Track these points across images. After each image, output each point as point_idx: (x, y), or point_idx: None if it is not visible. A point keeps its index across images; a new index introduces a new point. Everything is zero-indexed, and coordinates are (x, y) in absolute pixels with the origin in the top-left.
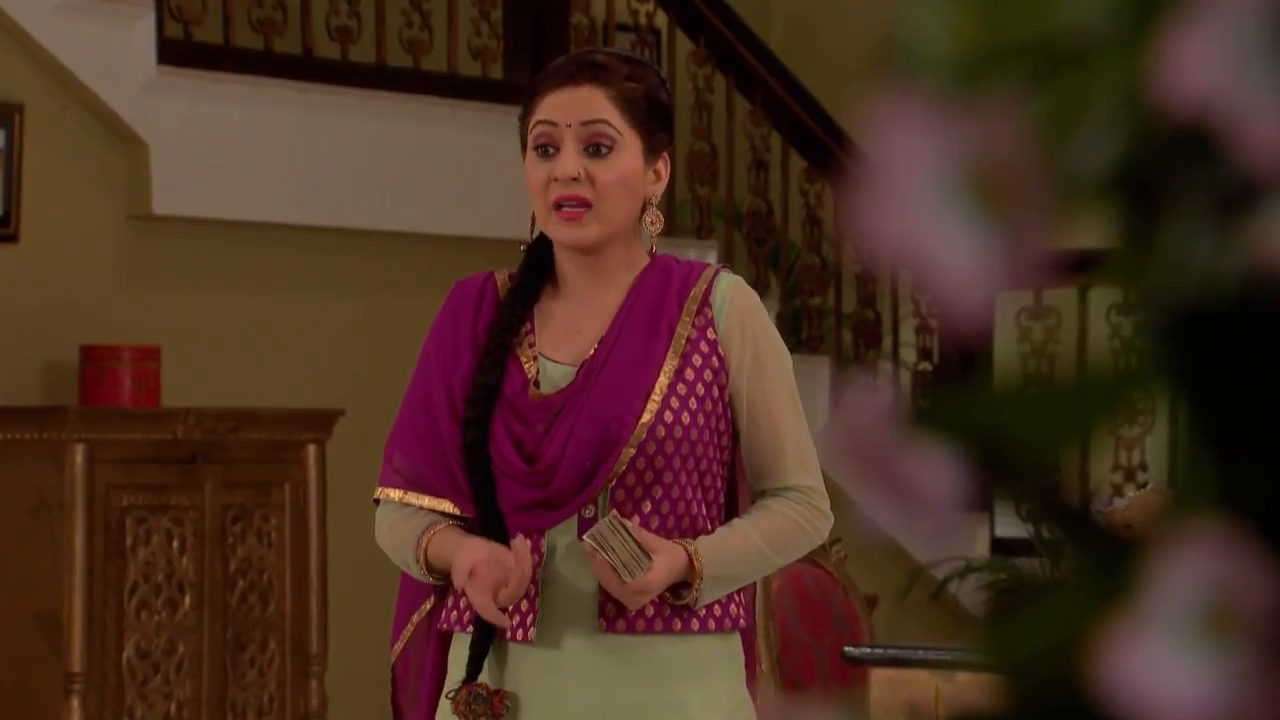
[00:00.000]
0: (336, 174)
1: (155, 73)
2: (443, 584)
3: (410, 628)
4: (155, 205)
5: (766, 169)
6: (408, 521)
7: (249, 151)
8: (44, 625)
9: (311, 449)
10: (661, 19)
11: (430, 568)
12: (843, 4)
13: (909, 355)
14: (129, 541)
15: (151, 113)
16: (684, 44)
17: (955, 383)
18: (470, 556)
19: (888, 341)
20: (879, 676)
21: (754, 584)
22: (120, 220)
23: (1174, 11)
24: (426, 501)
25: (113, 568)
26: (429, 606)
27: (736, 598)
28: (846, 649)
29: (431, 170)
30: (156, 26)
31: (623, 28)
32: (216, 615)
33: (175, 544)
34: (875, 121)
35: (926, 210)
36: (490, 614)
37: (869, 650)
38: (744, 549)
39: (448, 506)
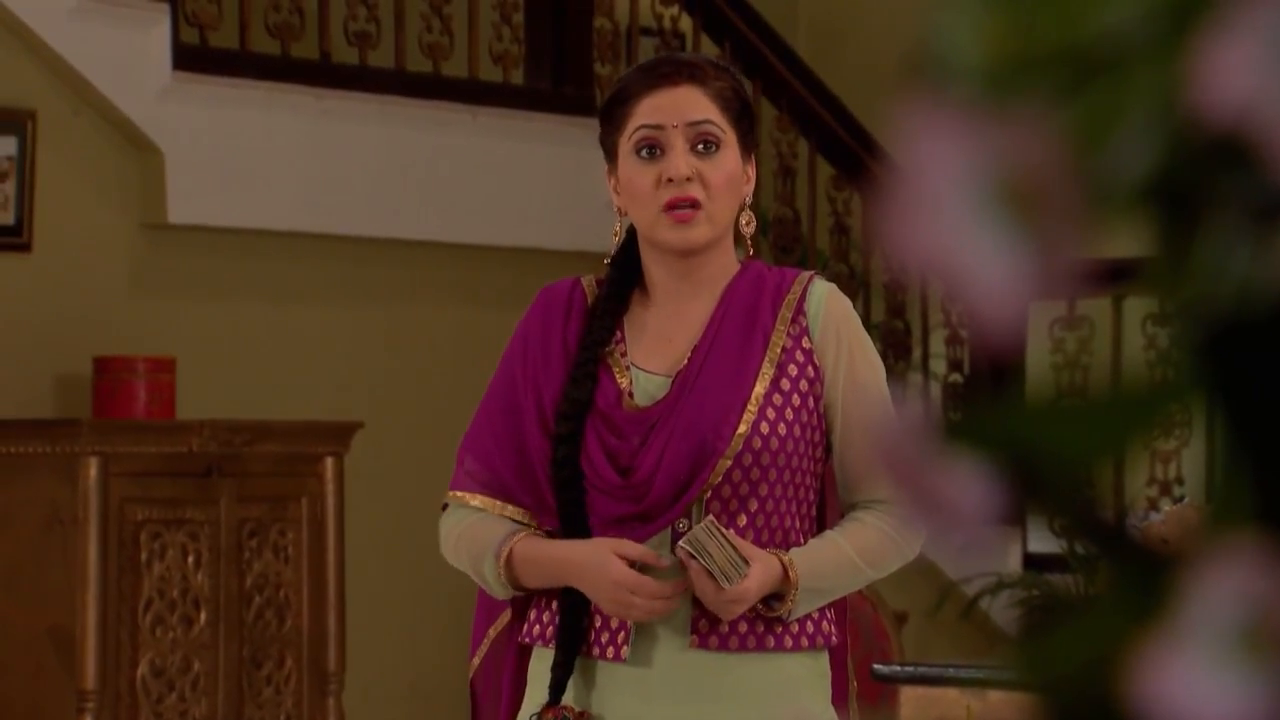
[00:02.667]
0: (355, 182)
1: (170, 78)
2: (522, 595)
3: (487, 642)
4: (170, 213)
5: (793, 176)
6: (483, 528)
7: (265, 159)
8: (57, 642)
9: (329, 462)
10: (686, 23)
11: (513, 576)
12: (870, 8)
13: (939, 366)
14: (143, 556)
15: (166, 119)
16: (709, 49)
17: (986, 395)
18: (618, 573)
19: (917, 353)
20: (909, 695)
21: (845, 601)
22: (134, 229)
23: (1210, 19)
24: (507, 510)
25: (127, 583)
26: (506, 620)
27: (828, 614)
28: (876, 667)
29: (452, 178)
30: (171, 31)
31: (646, 32)
32: (232, 632)
33: (190, 559)
34: (905, 129)
35: (957, 219)
36: (658, 609)
37: (899, 668)
38: (837, 561)
39: (526, 517)
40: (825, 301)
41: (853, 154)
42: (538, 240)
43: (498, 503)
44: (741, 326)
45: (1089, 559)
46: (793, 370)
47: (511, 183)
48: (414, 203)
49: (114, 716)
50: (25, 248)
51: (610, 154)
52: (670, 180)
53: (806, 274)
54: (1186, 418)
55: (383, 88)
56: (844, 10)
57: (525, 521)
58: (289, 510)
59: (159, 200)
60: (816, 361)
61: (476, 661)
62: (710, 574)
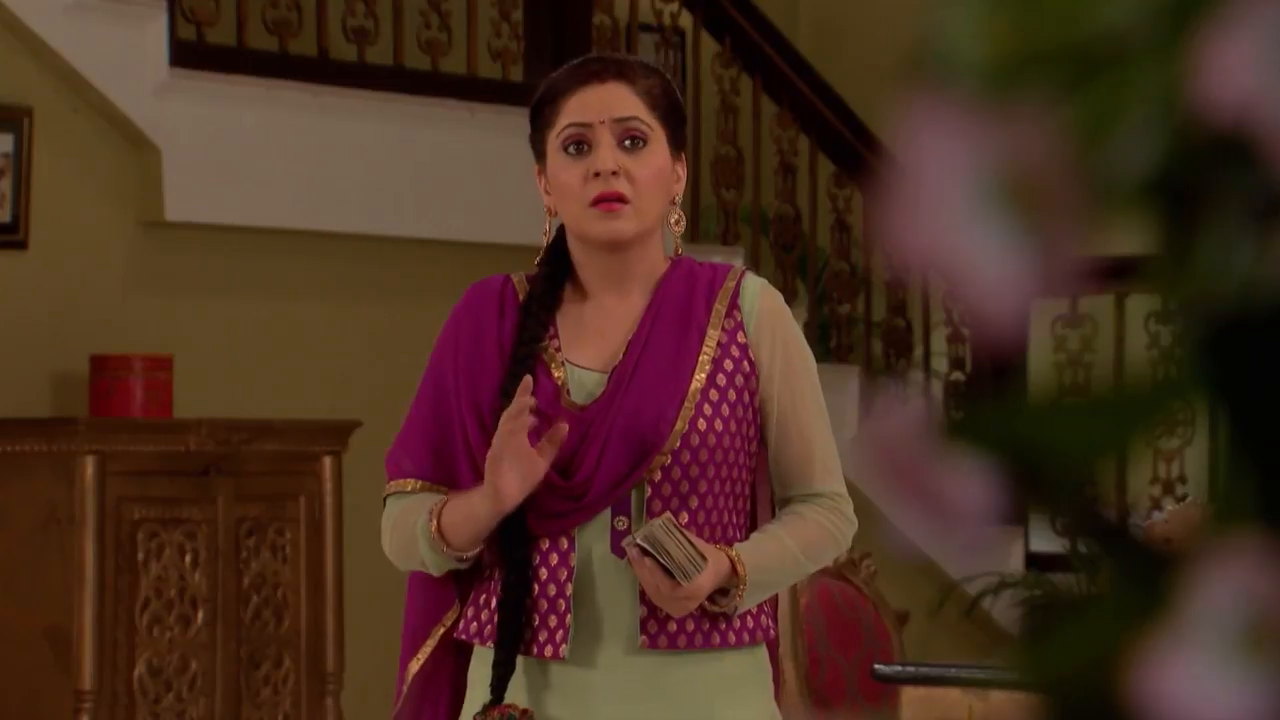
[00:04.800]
0: (353, 179)
1: (167, 75)
2: (460, 560)
3: (432, 641)
4: (167, 211)
5: (794, 173)
6: (414, 507)
7: (263, 156)
8: (54, 641)
9: (327, 461)
10: (686, 19)
11: (444, 537)
12: (871, 4)
13: (941, 364)
14: (141, 556)
15: (164, 116)
16: (709, 45)
17: (988, 393)
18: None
19: (919, 350)
20: (910, 695)
21: (777, 594)
22: (131, 226)
23: (1211, 16)
24: (439, 489)
25: (124, 583)
26: (454, 617)
27: (765, 608)
28: (877, 667)
29: (450, 175)
30: (169, 28)
31: (645, 28)
32: (230, 631)
33: (188, 558)
34: (907, 126)
35: (959, 216)
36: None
37: (900, 668)
38: (780, 555)
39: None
40: (759, 297)
41: (854, 151)
42: (536, 238)
43: (430, 484)
44: (676, 322)
45: (1091, 558)
46: (728, 365)
47: (510, 180)
48: (412, 200)
49: (111, 717)
50: (22, 245)
51: (540, 153)
52: (597, 175)
53: (739, 269)
54: (1190, 416)
55: (381, 84)
56: (845, 6)
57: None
58: (287, 509)
59: (156, 198)
60: (751, 356)
61: (415, 665)
62: (666, 570)
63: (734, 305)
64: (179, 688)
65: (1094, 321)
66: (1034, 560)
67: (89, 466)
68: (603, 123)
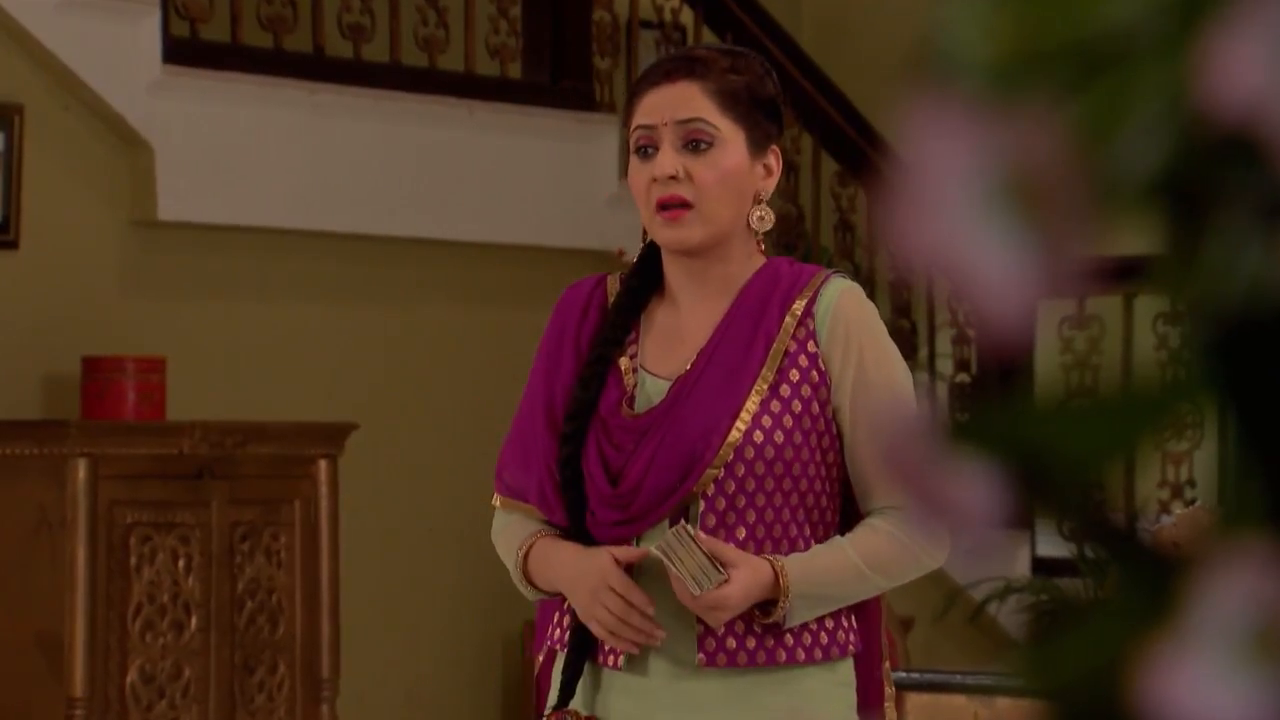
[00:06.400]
0: (348, 178)
1: (160, 72)
2: (546, 598)
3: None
4: (160, 210)
5: (797, 172)
6: (512, 530)
7: (257, 155)
8: (45, 647)
9: (323, 464)
10: (687, 15)
11: (531, 583)
12: (875, 1)
13: (946, 366)
14: (133, 560)
15: (156, 114)
16: (710, 42)
17: (994, 395)
18: (605, 562)
19: (924, 352)
20: (915, 702)
21: (878, 606)
22: (124, 226)
23: (1218, 15)
24: (522, 509)
25: (116, 588)
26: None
27: (844, 622)
28: None
29: (447, 174)
30: (162, 24)
31: (646, 24)
32: (224, 637)
33: (181, 563)
34: (911, 126)
35: (964, 216)
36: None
37: (905, 675)
38: (839, 566)
39: (538, 515)
40: (835, 303)
41: (857, 150)
42: (535, 237)
43: (522, 505)
44: (747, 331)
45: (1098, 563)
46: (794, 375)
47: (508, 178)
48: (409, 199)
49: None
50: (12, 245)
51: (626, 152)
52: (657, 179)
53: (823, 274)
54: (1198, 418)
55: (377, 82)
56: (848, 3)
57: (546, 520)
58: (282, 513)
59: (149, 197)
60: (822, 365)
61: (540, 659)
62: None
63: (808, 312)
64: (172, 694)
65: (1101, 322)
66: (1040, 565)
67: (80, 470)
68: (665, 125)
